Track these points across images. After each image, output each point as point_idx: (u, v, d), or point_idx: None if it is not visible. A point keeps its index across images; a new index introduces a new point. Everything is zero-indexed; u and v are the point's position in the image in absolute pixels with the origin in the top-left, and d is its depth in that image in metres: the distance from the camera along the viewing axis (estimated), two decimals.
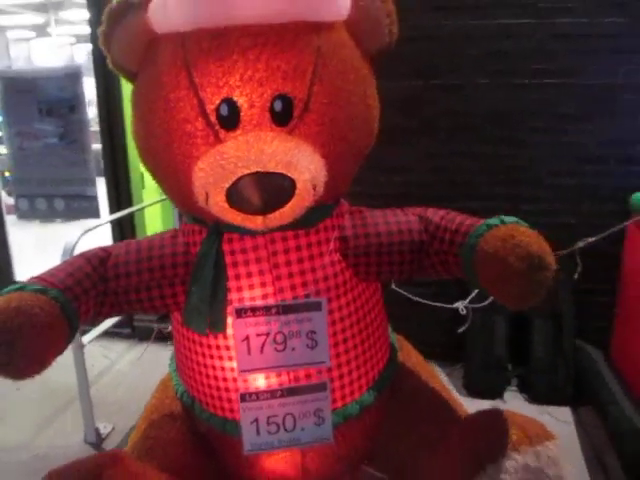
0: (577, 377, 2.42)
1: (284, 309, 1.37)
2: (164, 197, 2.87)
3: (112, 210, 3.07)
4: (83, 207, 3.07)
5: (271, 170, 1.16)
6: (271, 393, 1.41)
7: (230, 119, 1.24)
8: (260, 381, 1.41)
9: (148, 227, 3.29)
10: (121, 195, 3.08)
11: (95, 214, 3.06)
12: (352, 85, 1.33)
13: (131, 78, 1.41)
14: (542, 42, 2.42)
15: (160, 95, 1.28)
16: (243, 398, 1.40)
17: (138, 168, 3.13)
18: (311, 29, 1.25)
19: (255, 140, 1.20)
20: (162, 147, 1.32)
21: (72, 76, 2.95)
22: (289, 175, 1.18)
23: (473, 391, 2.48)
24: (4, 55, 12.01)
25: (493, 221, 1.32)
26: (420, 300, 2.14)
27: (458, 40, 2.46)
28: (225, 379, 1.43)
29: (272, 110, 1.23)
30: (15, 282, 3.20)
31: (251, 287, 1.39)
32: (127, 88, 2.91)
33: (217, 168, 1.19)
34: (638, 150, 2.46)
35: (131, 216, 3.00)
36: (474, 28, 2.43)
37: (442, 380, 1.75)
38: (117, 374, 2.80)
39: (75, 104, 2.96)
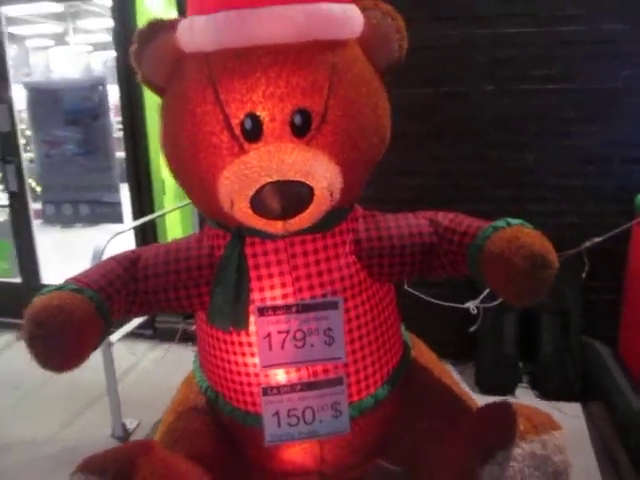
0: (586, 373, 2.47)
1: (303, 308, 1.45)
2: (185, 203, 2.99)
3: (135, 215, 3.18)
4: (107, 212, 3.18)
5: (291, 178, 1.26)
6: (291, 387, 1.48)
7: (253, 132, 1.34)
8: (281, 376, 1.49)
9: (169, 232, 3.39)
10: (143, 201, 3.18)
11: (118, 219, 3.17)
12: (364, 98, 1.42)
13: (160, 93, 1.52)
14: (545, 49, 2.48)
15: (187, 109, 1.38)
16: (265, 392, 1.48)
17: (160, 175, 3.23)
18: (327, 47, 1.35)
19: (276, 151, 1.31)
20: (189, 158, 1.42)
21: (96, 86, 3.07)
22: (308, 183, 1.28)
23: (485, 388, 2.53)
24: (24, 64, 12.20)
25: (499, 223, 1.39)
26: (432, 300, 2.20)
27: (464, 49, 2.53)
28: (248, 374, 1.51)
29: (292, 123, 1.34)
30: (42, 284, 3.34)
31: (272, 287, 1.49)
32: (149, 97, 3.04)
33: (242, 177, 1.29)
34: None
35: (153, 221, 3.10)
36: (480, 37, 2.50)
37: (454, 377, 1.80)
38: (141, 373, 2.91)
39: (99, 113, 3.08)
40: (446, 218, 1.58)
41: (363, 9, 1.41)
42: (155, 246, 1.64)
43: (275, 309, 1.42)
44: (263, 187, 1.26)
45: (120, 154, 3.25)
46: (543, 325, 2.53)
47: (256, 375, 1.50)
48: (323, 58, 1.34)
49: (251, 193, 1.28)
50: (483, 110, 2.58)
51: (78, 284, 1.39)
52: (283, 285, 1.48)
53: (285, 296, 1.48)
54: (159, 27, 1.40)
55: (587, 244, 2.21)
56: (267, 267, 1.50)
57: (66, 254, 5.02)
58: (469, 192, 2.68)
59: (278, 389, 1.49)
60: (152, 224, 3.16)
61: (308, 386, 1.49)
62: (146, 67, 1.45)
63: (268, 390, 1.49)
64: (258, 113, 1.32)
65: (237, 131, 1.34)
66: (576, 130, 2.54)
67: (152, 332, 3.18)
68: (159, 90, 1.51)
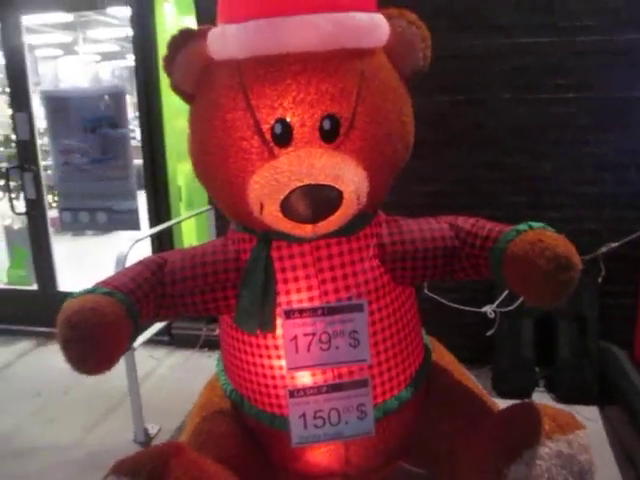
0: (603, 377, 2.48)
1: (329, 310, 1.47)
2: (202, 210, 3.02)
3: (152, 222, 3.21)
4: (124, 219, 3.21)
5: (321, 182, 1.29)
6: (317, 389, 1.50)
7: (283, 137, 1.37)
8: (307, 378, 1.51)
9: (185, 238, 3.42)
10: (160, 208, 3.22)
11: (135, 226, 3.20)
12: (390, 104, 1.46)
13: (189, 100, 1.55)
14: (562, 59, 2.52)
15: (217, 115, 1.42)
16: (292, 394, 1.50)
17: (176, 182, 3.27)
18: (355, 55, 1.39)
19: (306, 156, 1.34)
20: (219, 162, 1.45)
21: (115, 95, 3.11)
22: (337, 187, 1.31)
23: (502, 392, 2.54)
24: (33, 73, 12.33)
25: (522, 227, 1.42)
26: (451, 305, 2.22)
27: (482, 58, 2.57)
28: (274, 377, 1.53)
29: (321, 128, 1.37)
30: (59, 292, 3.36)
31: (298, 290, 1.51)
32: (168, 105, 3.08)
33: (272, 181, 1.32)
34: None
35: (170, 228, 3.13)
36: (498, 46, 2.55)
37: (473, 379, 1.81)
38: (159, 379, 2.93)
39: (117, 122, 3.12)
40: (467, 222, 1.60)
41: (389, 18, 1.45)
42: (181, 250, 1.67)
43: (301, 312, 1.44)
44: (293, 191, 1.29)
45: (137, 162, 3.29)
46: (560, 329, 2.54)
47: (282, 377, 1.52)
48: (351, 65, 1.38)
49: (282, 197, 1.30)
50: (500, 118, 2.62)
51: (108, 287, 1.41)
52: (309, 288, 1.51)
53: (311, 299, 1.50)
54: (190, 35, 1.44)
55: (603, 249, 2.24)
56: (293, 270, 1.52)
57: (79, 262, 5.09)
58: (486, 199, 2.71)
59: (304, 391, 1.51)
60: (169, 231, 3.20)
61: (334, 388, 1.51)
62: (176, 74, 1.49)
63: (295, 392, 1.50)
64: (288, 119, 1.36)
65: (267, 136, 1.37)
66: (593, 138, 2.57)
67: (169, 338, 3.20)
68: (188, 97, 1.55)
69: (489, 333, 2.24)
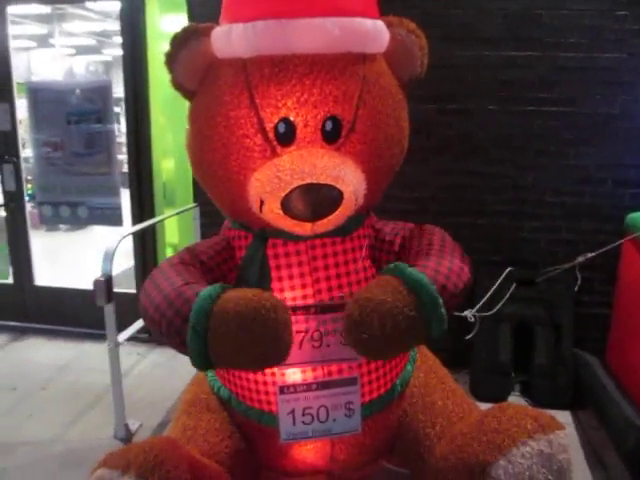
0: (576, 382, 2.56)
1: (321, 309, 1.49)
2: (187, 208, 3.01)
3: (135, 218, 3.19)
4: (106, 215, 3.17)
5: (322, 182, 1.32)
6: (307, 386, 1.52)
7: (286, 136, 1.40)
8: (297, 375, 1.53)
9: (167, 235, 3.41)
10: (144, 204, 3.19)
11: (118, 222, 3.16)
12: (389, 109, 1.50)
13: (189, 96, 1.57)
14: (546, 73, 2.61)
15: (221, 112, 1.43)
16: (282, 391, 1.52)
17: (161, 179, 3.25)
18: (359, 60, 1.43)
19: (308, 155, 1.37)
20: (220, 159, 1.46)
21: (101, 89, 3.07)
22: (337, 187, 1.34)
23: (478, 395, 2.59)
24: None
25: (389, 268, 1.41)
26: None
27: (470, 69, 2.64)
28: (264, 373, 1.54)
29: (323, 129, 1.40)
30: (36, 286, 3.26)
31: (292, 288, 1.54)
32: (155, 101, 3.07)
33: (274, 179, 1.35)
34: (632, 173, 2.64)
35: (152, 225, 3.10)
36: (486, 58, 2.63)
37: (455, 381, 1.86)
38: (140, 375, 2.91)
39: (102, 116, 3.08)
40: (421, 240, 1.61)
41: (389, 25, 1.49)
42: (193, 252, 1.64)
43: (295, 309, 1.45)
44: (295, 189, 1.32)
45: (121, 157, 3.26)
46: (536, 336, 2.61)
47: (272, 374, 1.53)
48: (355, 69, 1.42)
49: (283, 194, 1.33)
50: (486, 128, 2.69)
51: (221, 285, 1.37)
52: (303, 286, 1.54)
53: (305, 297, 1.53)
54: (193, 32, 1.45)
55: (580, 259, 2.31)
56: (288, 268, 1.55)
57: (53, 257, 5.00)
58: (470, 206, 2.78)
59: (294, 388, 1.52)
60: (152, 228, 3.18)
61: (323, 385, 1.53)
62: (178, 71, 1.49)
63: (285, 389, 1.52)
64: (292, 118, 1.39)
65: (270, 135, 1.40)
66: (573, 151, 2.67)
67: (147, 335, 3.17)
68: (189, 94, 1.56)
69: (468, 337, 2.29)
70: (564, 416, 2.46)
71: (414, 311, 1.29)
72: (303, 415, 1.54)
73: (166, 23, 3.19)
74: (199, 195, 2.99)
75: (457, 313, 1.84)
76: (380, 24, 1.47)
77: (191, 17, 2.89)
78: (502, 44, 2.60)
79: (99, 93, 3.06)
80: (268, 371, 1.53)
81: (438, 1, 2.60)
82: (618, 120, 2.60)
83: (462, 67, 2.64)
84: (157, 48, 3.06)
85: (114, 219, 3.17)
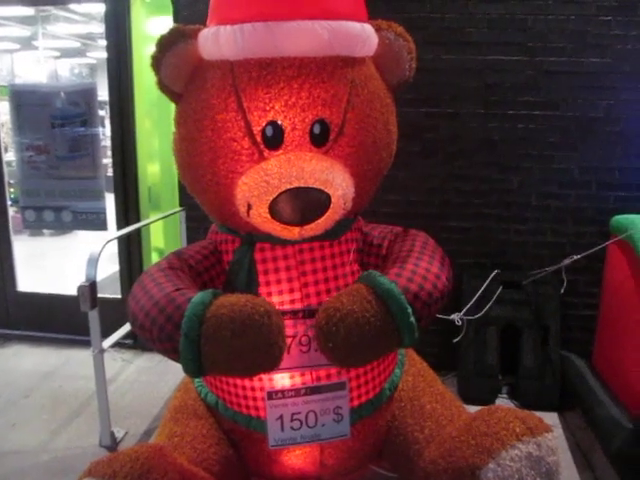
0: (563, 384, 2.57)
1: (309, 313, 1.49)
2: (173, 211, 2.99)
3: (120, 223, 3.15)
4: (91, 220, 3.13)
5: (310, 186, 1.32)
6: (295, 391, 1.52)
7: (274, 140, 1.39)
8: (286, 380, 1.52)
9: (153, 239, 3.37)
10: (129, 208, 3.16)
11: (102, 227, 3.12)
12: (378, 113, 1.50)
13: (175, 99, 1.55)
14: (531, 77, 2.64)
15: (208, 116, 1.42)
16: (270, 396, 1.51)
17: (146, 183, 3.22)
18: (347, 63, 1.43)
19: (296, 159, 1.36)
20: (207, 163, 1.45)
21: (86, 92, 3.04)
22: (326, 191, 1.34)
23: (466, 398, 2.59)
24: None
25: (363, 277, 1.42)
26: None
27: (457, 73, 2.66)
28: (251, 379, 1.53)
29: (311, 133, 1.40)
30: (18, 292, 3.20)
31: (280, 293, 1.53)
32: (140, 105, 3.04)
33: (262, 183, 1.34)
34: (616, 176, 2.68)
35: (138, 229, 3.06)
36: (471, 62, 2.64)
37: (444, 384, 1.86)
38: (125, 381, 2.87)
39: (87, 119, 3.04)
40: (403, 245, 1.61)
41: (377, 29, 1.49)
42: (182, 256, 1.63)
43: (283, 314, 1.44)
44: (282, 193, 1.32)
45: (106, 161, 3.23)
46: (523, 338, 2.63)
47: (260, 379, 1.52)
48: (343, 73, 1.42)
49: (271, 198, 1.33)
50: (472, 132, 2.71)
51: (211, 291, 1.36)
52: (291, 291, 1.53)
53: (292, 302, 1.52)
54: (180, 34, 1.44)
55: (566, 262, 2.34)
56: (276, 273, 1.54)
57: (36, 262, 4.94)
58: (456, 209, 2.78)
59: (283, 393, 1.52)
60: (137, 232, 3.14)
61: (312, 390, 1.52)
62: (164, 73, 1.48)
63: (273, 394, 1.51)
64: (280, 122, 1.38)
65: (258, 138, 1.39)
66: (558, 155, 2.69)
67: (132, 341, 3.14)
68: (175, 96, 1.55)
69: (456, 340, 2.30)
70: (551, 418, 2.47)
71: (382, 321, 1.30)
72: (291, 420, 1.53)
73: (152, 25, 3.16)
74: (185, 199, 2.96)
75: (445, 316, 1.85)
76: (368, 27, 1.47)
77: (177, 19, 2.87)
78: (487, 48, 2.61)
79: (84, 96, 3.03)
80: (256, 376, 1.50)
81: (423, 5, 2.61)
82: (602, 124, 2.63)
83: (448, 71, 2.65)
84: (143, 51, 3.04)
85: (99, 224, 3.13)
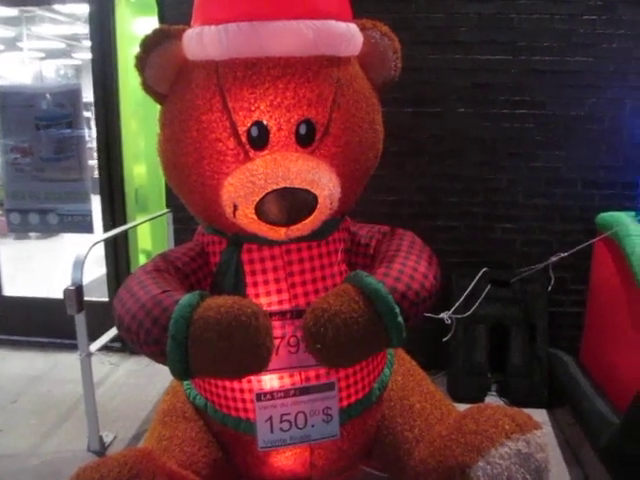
0: (552, 381, 2.59)
1: (297, 314, 1.48)
2: (160, 213, 2.97)
3: (106, 225, 3.12)
4: (77, 222, 3.09)
5: (297, 186, 1.31)
6: (284, 392, 1.51)
7: (260, 140, 1.39)
8: (275, 381, 1.52)
9: (140, 241, 3.35)
10: (116, 211, 3.13)
11: (89, 229, 3.09)
12: (364, 112, 1.50)
13: (160, 100, 1.54)
14: (518, 76, 2.65)
15: (193, 116, 1.41)
16: (259, 398, 1.50)
17: (133, 184, 3.20)
18: (332, 63, 1.43)
19: (282, 159, 1.36)
20: (192, 164, 1.44)
21: (71, 93, 3.00)
22: (312, 191, 1.33)
23: (456, 397, 2.60)
24: None
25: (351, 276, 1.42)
26: None
27: (444, 72, 2.67)
28: (240, 381, 1.52)
29: (297, 133, 1.39)
30: (3, 296, 3.17)
31: (268, 294, 1.52)
32: (126, 106, 3.02)
33: (247, 183, 1.34)
34: (601, 174, 2.70)
35: (125, 231, 3.04)
36: (459, 62, 2.65)
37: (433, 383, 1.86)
38: (113, 385, 2.85)
39: (72, 121, 3.01)
40: (390, 246, 1.61)
41: (363, 28, 1.49)
42: (168, 258, 1.62)
43: (271, 315, 1.44)
44: (269, 194, 1.31)
45: (92, 162, 3.19)
46: (512, 336, 2.64)
47: (249, 381, 1.51)
48: (328, 72, 1.41)
49: (257, 199, 1.32)
50: (460, 131, 2.72)
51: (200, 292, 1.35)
52: (279, 291, 1.52)
53: (280, 302, 1.52)
54: (165, 34, 1.43)
55: (552, 259, 2.34)
56: (263, 273, 1.53)
57: (23, 266, 4.89)
58: (445, 209, 2.79)
59: (272, 394, 1.51)
60: (124, 234, 3.12)
61: (301, 391, 1.52)
62: (149, 74, 1.46)
63: (262, 396, 1.51)
64: (265, 122, 1.38)
65: (243, 138, 1.39)
66: (545, 154, 2.71)
67: (120, 345, 3.12)
68: (160, 97, 1.53)
69: (445, 339, 2.30)
70: (541, 414, 2.48)
71: (370, 321, 1.30)
72: (281, 422, 1.52)
73: (137, 26, 3.14)
74: (172, 200, 2.94)
75: (433, 315, 1.86)
76: (354, 27, 1.47)
77: (162, 19, 2.85)
78: (475, 48, 2.62)
79: (69, 97, 2.99)
80: (245, 378, 1.49)
81: (411, 5, 2.62)
82: (587, 122, 2.65)
83: (435, 70, 2.66)
84: (128, 51, 3.01)
85: (85, 226, 3.09)
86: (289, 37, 1.34)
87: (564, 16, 2.57)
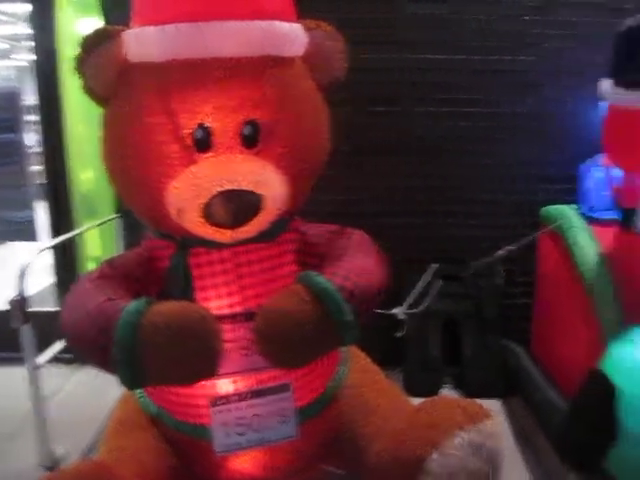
0: (505, 372, 2.66)
1: (249, 317, 1.46)
2: (108, 218, 2.90)
3: (53, 232, 3.02)
4: (20, 230, 2.99)
5: (242, 188, 1.31)
6: (239, 396, 1.50)
7: (204, 142, 1.37)
8: (229, 385, 1.50)
9: (89, 248, 3.26)
10: (62, 217, 3.04)
11: (32, 237, 2.98)
12: (309, 112, 1.52)
13: (101, 102, 1.50)
14: (464, 75, 2.72)
15: (136, 119, 1.39)
16: (213, 403, 1.49)
17: (80, 190, 3.11)
18: (277, 63, 1.42)
19: (227, 161, 1.35)
20: (136, 167, 1.42)
21: (9, 96, 2.90)
22: (258, 192, 1.33)
23: (412, 392, 2.61)
24: None
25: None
26: None
27: (390, 72, 2.70)
28: (193, 386, 1.48)
29: (242, 134, 1.38)
30: None
31: (219, 297, 1.51)
32: (71, 109, 2.92)
33: (192, 186, 1.32)
34: (546, 170, 2.79)
35: (73, 238, 2.95)
36: (404, 61, 2.70)
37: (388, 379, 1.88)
38: (63, 397, 2.75)
39: (12, 125, 2.90)
40: (346, 251, 1.60)
41: (307, 28, 1.50)
42: (114, 264, 1.59)
43: (221, 319, 1.43)
44: (214, 196, 1.30)
45: (37, 168, 3.09)
46: (465, 330, 2.70)
47: (202, 386, 1.48)
48: (273, 73, 1.41)
49: (203, 202, 1.31)
50: (408, 130, 2.77)
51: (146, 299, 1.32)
52: (229, 294, 1.51)
53: (231, 305, 1.51)
54: (104, 35, 1.39)
55: (500, 253, 2.41)
56: (212, 277, 1.52)
57: None
58: (399, 207, 2.84)
59: (226, 399, 1.50)
60: (72, 241, 3.03)
61: (256, 394, 1.52)
62: (89, 75, 1.42)
63: (217, 400, 1.49)
64: (209, 124, 1.36)
65: (188, 141, 1.37)
66: (491, 151, 2.78)
67: (71, 355, 3.02)
68: (101, 100, 1.50)
69: (398, 335, 2.33)
70: (495, 405, 2.54)
71: (320, 320, 1.31)
72: (237, 426, 1.51)
73: (80, 26, 3.05)
74: (122, 205, 2.87)
75: (386, 312, 1.88)
76: (298, 27, 1.47)
77: (107, 20, 2.78)
78: (423, 48, 2.67)
79: (7, 100, 2.89)
80: (196, 384, 1.49)
81: (357, 5, 2.64)
82: (531, 120, 2.74)
83: (381, 70, 2.68)
84: (71, 52, 2.92)
85: (29, 234, 2.99)
86: (232, 38, 1.33)
87: (506, 16, 2.65)
